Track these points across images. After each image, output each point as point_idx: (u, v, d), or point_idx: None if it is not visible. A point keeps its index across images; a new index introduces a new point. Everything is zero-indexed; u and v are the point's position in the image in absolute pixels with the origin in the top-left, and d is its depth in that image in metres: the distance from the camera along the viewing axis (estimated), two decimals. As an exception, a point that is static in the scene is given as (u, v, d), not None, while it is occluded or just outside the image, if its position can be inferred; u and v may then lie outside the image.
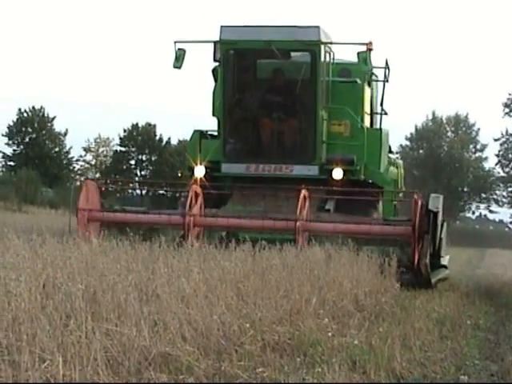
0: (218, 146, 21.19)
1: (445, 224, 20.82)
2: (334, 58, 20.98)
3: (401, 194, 24.80)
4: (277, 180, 20.11)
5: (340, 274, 13.83)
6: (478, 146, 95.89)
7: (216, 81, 21.59)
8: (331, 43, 20.60)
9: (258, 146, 21.14)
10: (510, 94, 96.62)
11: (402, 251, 17.96)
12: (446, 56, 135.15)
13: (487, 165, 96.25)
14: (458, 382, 5.38)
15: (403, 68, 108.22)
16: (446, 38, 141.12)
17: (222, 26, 20.48)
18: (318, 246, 16.03)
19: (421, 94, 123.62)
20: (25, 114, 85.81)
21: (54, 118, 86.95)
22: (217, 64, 21.32)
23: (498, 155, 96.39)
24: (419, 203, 18.17)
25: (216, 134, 21.66)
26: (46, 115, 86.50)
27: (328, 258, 14.86)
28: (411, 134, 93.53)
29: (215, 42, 20.61)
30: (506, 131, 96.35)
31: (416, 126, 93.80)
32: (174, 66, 20.72)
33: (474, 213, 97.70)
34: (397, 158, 24.69)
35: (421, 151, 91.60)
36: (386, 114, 22.77)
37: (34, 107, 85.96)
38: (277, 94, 21.09)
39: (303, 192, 18.03)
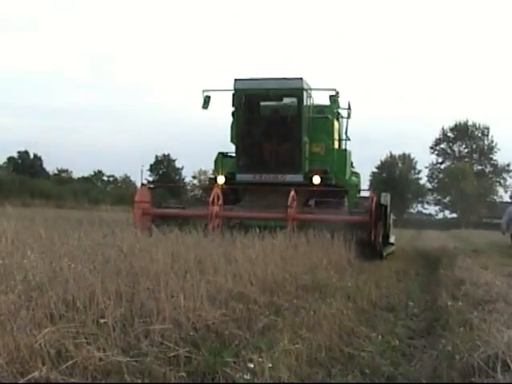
0: (234, 162, 19.30)
1: (392, 214, 19.41)
2: (313, 101, 19.23)
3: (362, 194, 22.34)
4: (274, 185, 18.12)
5: (339, 246, 13.77)
6: (416, 171, 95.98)
7: (234, 118, 19.65)
8: (311, 89, 18.79)
9: (261, 162, 19.08)
10: (435, 139, 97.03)
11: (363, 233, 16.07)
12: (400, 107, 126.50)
13: (421, 181, 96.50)
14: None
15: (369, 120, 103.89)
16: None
17: (235, 79, 18.79)
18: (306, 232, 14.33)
19: (381, 138, 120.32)
20: (159, 158, 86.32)
21: (175, 160, 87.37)
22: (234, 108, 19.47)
23: (427, 176, 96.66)
24: (374, 199, 16.51)
25: (233, 154, 19.70)
26: (171, 158, 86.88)
27: (331, 237, 14.06)
28: (378, 165, 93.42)
29: (233, 94, 18.82)
30: (432, 162, 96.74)
31: (381, 161, 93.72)
32: (203, 108, 18.77)
33: (414, 209, 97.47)
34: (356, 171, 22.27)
35: (384, 175, 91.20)
36: (349, 139, 21.08)
37: (164, 154, 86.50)
38: (274, 126, 19.08)
39: (292, 192, 16.20)
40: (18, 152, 77.19)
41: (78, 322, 5.34)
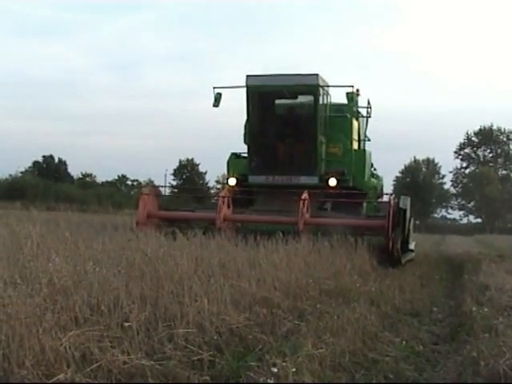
0: (246, 164, 18.24)
1: (412, 219, 18.01)
2: (330, 99, 18.15)
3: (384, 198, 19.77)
4: (288, 187, 16.86)
5: (362, 251, 13.61)
6: (441, 176, 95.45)
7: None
8: (327, 86, 17.84)
9: (275, 163, 17.95)
10: (460, 144, 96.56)
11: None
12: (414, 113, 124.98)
13: (446, 186, 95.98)
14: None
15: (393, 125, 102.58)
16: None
17: (247, 75, 17.65)
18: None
19: (405, 144, 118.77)
20: (182, 162, 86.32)
21: (199, 164, 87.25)
22: None
23: (452, 180, 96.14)
24: (392, 203, 15.30)
25: (246, 155, 18.57)
26: (195, 162, 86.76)
27: (354, 242, 13.61)
28: (402, 170, 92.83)
29: (247, 89, 17.64)
30: (457, 167, 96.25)
31: (405, 165, 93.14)
32: (213, 106, 17.70)
33: (438, 214, 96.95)
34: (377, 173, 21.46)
35: (407, 179, 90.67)
36: (369, 140, 20.24)
37: (187, 158, 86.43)
38: (289, 125, 18.06)
39: (305, 195, 15.22)
40: (43, 156, 77.87)
41: (103, 326, 5.37)
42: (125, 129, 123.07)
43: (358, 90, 18.09)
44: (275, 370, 5.01)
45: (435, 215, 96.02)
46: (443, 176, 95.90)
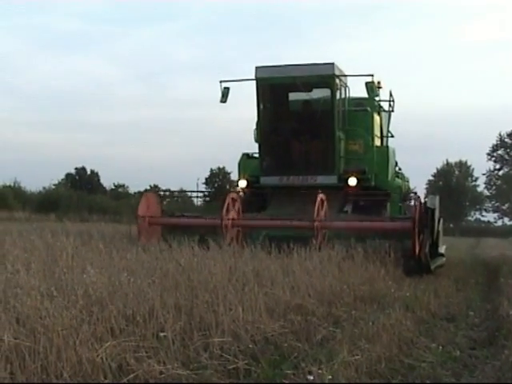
0: (258, 164, 17.04)
1: (441, 220, 16.23)
2: (349, 92, 16.75)
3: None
4: (304, 188, 15.71)
5: (396, 256, 13.36)
6: (473, 178, 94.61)
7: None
8: (344, 75, 16.44)
9: (289, 162, 16.72)
10: (492, 146, 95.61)
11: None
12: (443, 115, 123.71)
13: (479, 188, 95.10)
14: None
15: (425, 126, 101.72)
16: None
17: (256, 67, 16.33)
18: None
19: (436, 146, 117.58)
20: (214, 171, 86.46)
21: (230, 172, 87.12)
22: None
23: (485, 183, 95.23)
24: (419, 203, 14.06)
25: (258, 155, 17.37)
26: (226, 171, 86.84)
27: (388, 247, 13.12)
28: (434, 173, 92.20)
29: (256, 82, 16.37)
30: (489, 169, 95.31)
31: (437, 168, 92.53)
32: (221, 101, 16.47)
33: (472, 217, 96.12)
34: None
35: (440, 183, 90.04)
36: (392, 136, 18.99)
37: (219, 167, 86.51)
38: (303, 120, 16.75)
39: (320, 196, 14.05)
40: (76, 168, 78.43)
41: (138, 336, 5.40)
42: (155, 138, 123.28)
43: (379, 82, 16.66)
44: (311, 377, 5.01)
45: (469, 218, 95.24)
46: (476, 178, 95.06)
